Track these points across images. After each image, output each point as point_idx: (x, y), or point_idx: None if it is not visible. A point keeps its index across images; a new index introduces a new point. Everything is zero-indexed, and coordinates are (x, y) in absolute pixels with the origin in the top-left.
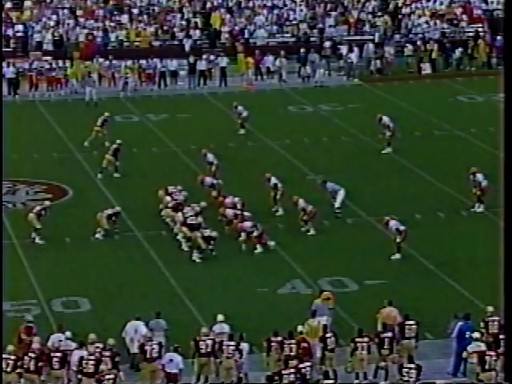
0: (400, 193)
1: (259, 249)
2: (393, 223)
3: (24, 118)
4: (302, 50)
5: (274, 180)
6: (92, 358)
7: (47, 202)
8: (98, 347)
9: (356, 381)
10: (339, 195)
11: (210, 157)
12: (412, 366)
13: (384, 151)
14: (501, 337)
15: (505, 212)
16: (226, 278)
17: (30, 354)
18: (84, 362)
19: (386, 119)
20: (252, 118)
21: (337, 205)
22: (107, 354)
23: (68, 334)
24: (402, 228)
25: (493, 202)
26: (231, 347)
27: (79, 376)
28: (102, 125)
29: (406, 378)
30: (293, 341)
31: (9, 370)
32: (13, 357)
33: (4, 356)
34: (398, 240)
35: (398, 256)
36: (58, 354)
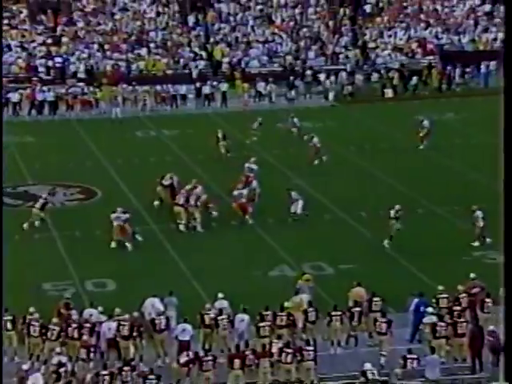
0: (369, 194)
1: (129, 246)
2: (479, 212)
3: (62, 134)
4: (291, 78)
5: (253, 166)
6: (127, 323)
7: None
8: (126, 319)
9: (331, 347)
10: (299, 203)
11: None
12: (384, 319)
13: (420, 147)
14: (453, 308)
15: (505, 212)
16: (226, 264)
17: (73, 325)
18: (121, 326)
19: (426, 122)
20: (247, 133)
21: (298, 211)
22: (136, 324)
23: (100, 308)
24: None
25: (444, 200)
26: (225, 320)
27: (117, 339)
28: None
29: (377, 329)
30: (284, 313)
31: (53, 338)
32: (57, 328)
33: (50, 326)
34: (481, 225)
35: (477, 243)
36: (88, 325)
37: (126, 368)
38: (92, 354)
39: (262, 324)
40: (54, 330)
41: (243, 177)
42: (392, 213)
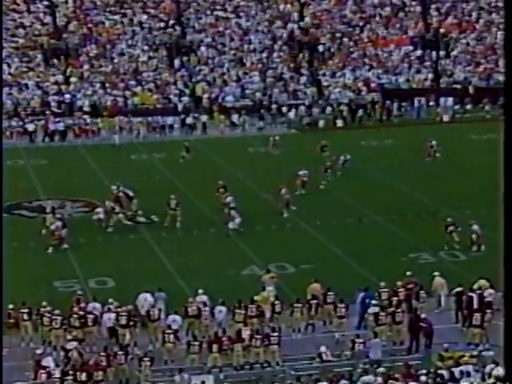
0: (323, 207)
1: (51, 249)
2: (476, 227)
3: (70, 157)
4: (260, 110)
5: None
6: (125, 314)
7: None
8: (123, 311)
9: (293, 333)
10: (236, 220)
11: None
12: (343, 305)
13: (427, 159)
14: (392, 299)
15: (505, 213)
16: (206, 264)
17: (75, 316)
18: (119, 317)
19: (433, 142)
20: (224, 156)
21: (234, 226)
22: (131, 315)
23: (111, 300)
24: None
25: (384, 211)
26: (206, 312)
27: (116, 327)
28: (322, 149)
29: (338, 314)
30: (254, 305)
31: (57, 326)
32: (60, 317)
33: (53, 317)
34: (475, 239)
35: (483, 247)
36: (91, 316)
37: (120, 352)
38: (88, 348)
39: (237, 311)
40: (57, 319)
41: (298, 181)
42: (449, 227)
